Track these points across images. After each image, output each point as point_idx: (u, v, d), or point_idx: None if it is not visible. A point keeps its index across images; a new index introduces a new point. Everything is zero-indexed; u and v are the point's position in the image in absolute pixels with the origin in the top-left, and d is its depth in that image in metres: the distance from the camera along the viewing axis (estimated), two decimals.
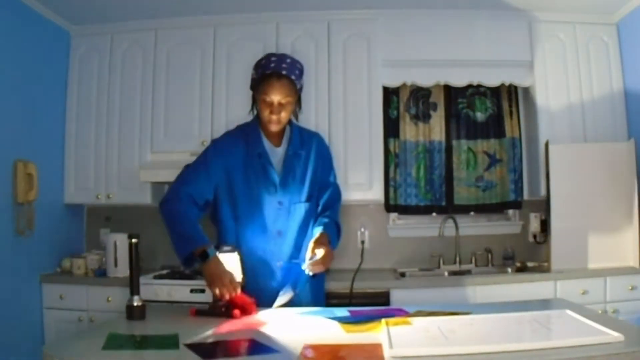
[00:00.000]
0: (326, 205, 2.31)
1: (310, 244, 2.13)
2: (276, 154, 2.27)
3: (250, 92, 2.36)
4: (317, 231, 2.22)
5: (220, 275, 1.97)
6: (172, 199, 2.20)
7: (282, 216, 2.23)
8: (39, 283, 3.45)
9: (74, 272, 3.53)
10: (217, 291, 1.95)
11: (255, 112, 2.33)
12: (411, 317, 1.85)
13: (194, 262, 2.11)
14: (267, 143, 2.28)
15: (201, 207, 2.23)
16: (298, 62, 2.27)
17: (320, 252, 2.08)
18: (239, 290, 1.96)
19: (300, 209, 2.26)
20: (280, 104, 2.17)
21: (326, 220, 2.27)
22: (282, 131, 2.30)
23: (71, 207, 3.88)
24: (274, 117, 2.18)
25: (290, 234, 2.24)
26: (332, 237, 2.21)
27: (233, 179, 2.22)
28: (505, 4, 3.63)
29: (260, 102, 2.20)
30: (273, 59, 2.21)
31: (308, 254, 2.12)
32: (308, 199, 2.28)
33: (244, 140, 2.26)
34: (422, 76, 3.76)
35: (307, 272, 2.06)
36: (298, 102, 2.33)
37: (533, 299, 2.69)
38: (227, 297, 1.94)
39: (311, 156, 2.30)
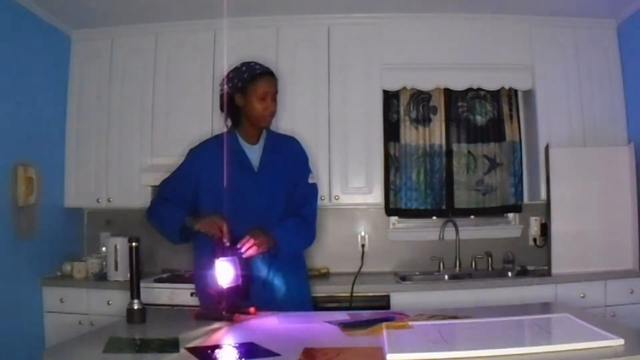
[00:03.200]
0: (299, 203, 2.36)
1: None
2: (253, 150, 2.36)
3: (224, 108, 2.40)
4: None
5: (207, 219, 2.11)
6: (154, 206, 2.40)
7: (261, 211, 2.27)
8: (39, 286, 3.45)
9: (75, 275, 3.53)
10: (211, 232, 2.08)
11: (229, 123, 2.42)
12: (411, 320, 1.85)
13: (188, 233, 2.22)
14: (243, 143, 2.37)
15: (185, 208, 2.30)
16: None
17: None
18: (224, 227, 2.06)
19: (278, 205, 2.32)
20: (272, 98, 2.31)
21: (290, 217, 2.32)
22: (259, 133, 2.40)
23: (71, 211, 3.88)
24: (272, 108, 2.30)
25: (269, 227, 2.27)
26: (282, 230, 2.22)
27: (212, 178, 2.28)
28: (506, 8, 3.64)
29: (254, 101, 2.28)
30: (252, 63, 2.35)
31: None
32: (284, 195, 2.34)
33: (220, 143, 2.35)
34: (422, 80, 3.77)
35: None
36: None
37: (533, 303, 2.69)
38: (218, 234, 2.06)
39: (286, 157, 2.39)
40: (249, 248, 2.08)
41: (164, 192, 2.40)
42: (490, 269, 3.81)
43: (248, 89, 2.29)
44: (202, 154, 2.37)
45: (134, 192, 3.71)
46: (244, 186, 2.29)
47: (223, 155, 2.30)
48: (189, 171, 2.36)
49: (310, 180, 2.43)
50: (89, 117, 3.81)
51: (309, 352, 1.50)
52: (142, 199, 3.69)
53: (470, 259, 3.85)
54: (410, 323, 1.78)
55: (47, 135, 3.66)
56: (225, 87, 2.34)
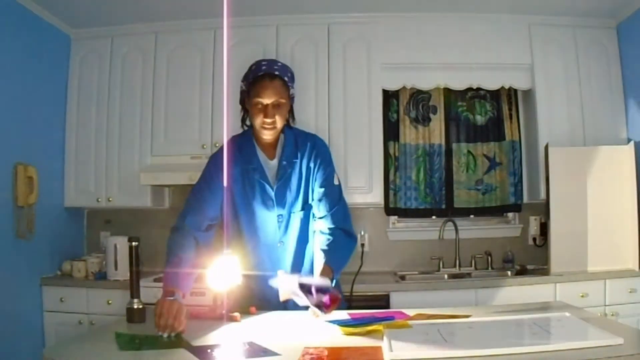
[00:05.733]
0: (328, 206, 2.17)
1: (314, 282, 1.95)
2: (271, 166, 2.19)
3: (240, 107, 2.25)
4: (319, 263, 2.06)
5: (168, 310, 1.76)
6: (175, 230, 2.12)
7: (282, 227, 2.19)
8: (39, 286, 3.46)
9: (74, 275, 3.53)
10: (158, 322, 1.76)
11: (246, 126, 2.25)
12: (411, 320, 1.85)
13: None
14: (261, 156, 2.19)
15: (206, 229, 2.15)
16: (289, 67, 2.20)
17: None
18: (180, 328, 1.76)
19: (297, 219, 2.20)
20: (274, 106, 2.06)
21: (328, 238, 2.12)
22: (276, 141, 2.20)
23: (71, 210, 3.88)
24: (268, 120, 2.06)
25: (290, 243, 2.20)
26: (336, 261, 2.06)
27: (233, 193, 2.18)
28: (506, 7, 3.64)
29: (252, 108, 2.09)
30: (264, 62, 2.15)
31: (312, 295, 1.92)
32: (303, 208, 2.20)
33: (239, 153, 2.19)
34: (422, 79, 3.78)
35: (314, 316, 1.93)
36: (291, 112, 2.23)
37: (533, 302, 2.68)
38: (163, 331, 1.75)
39: (304, 161, 2.20)
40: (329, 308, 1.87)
41: (188, 210, 2.14)
42: (489, 268, 3.81)
43: (250, 93, 2.09)
44: (221, 164, 2.12)
45: (134, 191, 3.71)
46: (262, 209, 2.17)
47: (243, 170, 2.16)
48: (214, 184, 2.14)
49: (335, 182, 2.24)
50: (88, 117, 3.81)
51: (309, 352, 1.50)
52: (142, 199, 3.71)
53: (469, 258, 3.85)
54: (410, 323, 1.78)
55: (47, 135, 3.66)
56: (241, 84, 2.17)
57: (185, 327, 1.77)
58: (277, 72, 2.09)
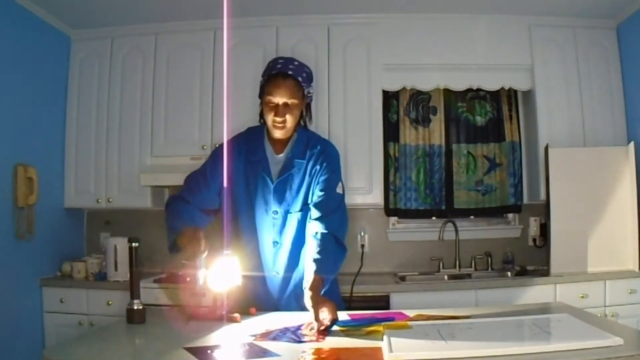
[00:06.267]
0: (324, 211, 2.10)
1: (307, 301, 1.85)
2: (276, 161, 2.19)
3: (259, 101, 2.21)
4: (309, 272, 1.97)
5: (190, 238, 1.94)
6: (173, 200, 2.18)
7: (278, 226, 2.17)
8: (39, 287, 3.46)
9: (74, 276, 3.53)
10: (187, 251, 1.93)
11: (263, 120, 2.21)
12: (411, 321, 1.85)
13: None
14: (269, 149, 2.19)
15: (208, 213, 2.19)
16: (306, 66, 2.18)
17: (323, 315, 1.80)
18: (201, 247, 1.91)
19: (294, 219, 2.17)
20: (285, 106, 2.06)
21: (319, 245, 2.03)
22: (288, 138, 2.18)
23: (71, 211, 3.88)
24: (279, 119, 2.06)
25: (286, 244, 2.18)
26: (326, 271, 1.99)
27: (234, 185, 2.17)
28: (505, 8, 3.64)
29: (265, 106, 2.10)
30: (280, 60, 2.14)
31: (310, 312, 1.83)
32: (302, 209, 2.17)
33: (245, 145, 2.20)
34: (422, 80, 3.78)
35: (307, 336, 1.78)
36: (308, 110, 2.24)
37: (533, 303, 2.69)
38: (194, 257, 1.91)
39: (310, 163, 2.17)
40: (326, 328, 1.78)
41: (185, 189, 2.19)
42: (489, 269, 3.81)
43: (264, 90, 2.10)
44: (224, 154, 2.12)
45: (134, 192, 3.71)
46: (260, 203, 2.16)
47: (247, 162, 2.17)
48: (211, 176, 2.17)
49: (338, 190, 2.16)
50: (88, 118, 3.81)
51: (308, 352, 1.50)
52: (141, 199, 3.71)
53: (469, 259, 3.85)
54: (409, 323, 1.78)
55: (47, 136, 3.66)
56: (261, 79, 2.16)
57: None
58: (290, 72, 2.08)
